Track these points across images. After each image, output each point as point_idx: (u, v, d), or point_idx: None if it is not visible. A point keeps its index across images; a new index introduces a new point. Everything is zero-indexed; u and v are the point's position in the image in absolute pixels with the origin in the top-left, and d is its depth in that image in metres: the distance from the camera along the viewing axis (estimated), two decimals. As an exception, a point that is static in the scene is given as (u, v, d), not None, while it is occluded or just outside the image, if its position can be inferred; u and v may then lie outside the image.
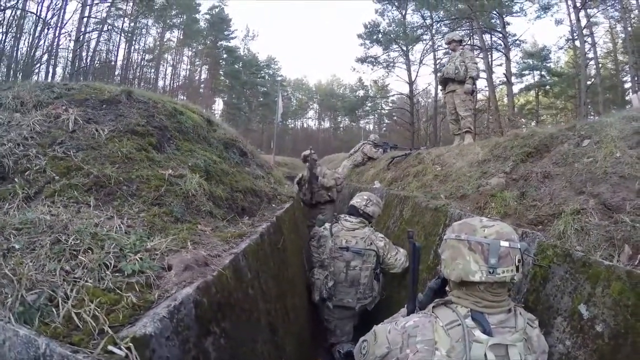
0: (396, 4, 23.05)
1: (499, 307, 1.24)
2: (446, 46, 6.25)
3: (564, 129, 3.21)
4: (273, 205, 2.83)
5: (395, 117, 29.19)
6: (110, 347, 0.76)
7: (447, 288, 1.43)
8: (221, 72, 35.05)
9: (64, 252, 1.06)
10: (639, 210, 1.80)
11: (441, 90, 6.06)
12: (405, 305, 1.59)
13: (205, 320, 1.07)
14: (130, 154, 1.89)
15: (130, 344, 0.77)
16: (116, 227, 1.28)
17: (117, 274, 1.04)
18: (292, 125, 46.20)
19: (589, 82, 15.79)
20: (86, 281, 0.96)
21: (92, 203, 1.45)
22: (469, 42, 18.34)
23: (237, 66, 34.60)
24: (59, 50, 18.35)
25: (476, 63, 5.82)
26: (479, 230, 1.26)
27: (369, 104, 30.47)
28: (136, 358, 0.76)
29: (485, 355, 1.13)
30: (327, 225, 3.22)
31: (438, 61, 22.33)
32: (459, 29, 19.13)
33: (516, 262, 1.21)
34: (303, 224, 4.26)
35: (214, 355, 1.06)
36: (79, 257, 1.04)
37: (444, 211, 2.91)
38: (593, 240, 1.75)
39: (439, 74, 7.23)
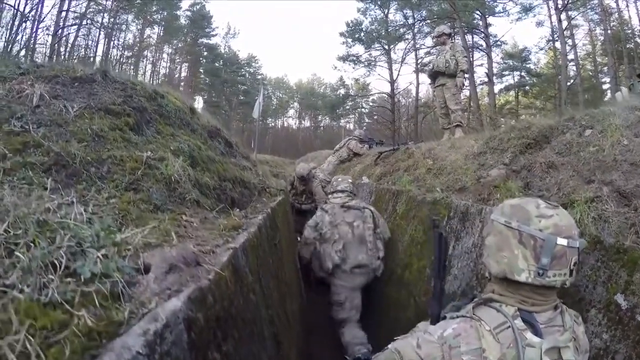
0: (379, 3, 23.02)
1: (547, 305, 1.07)
2: (434, 39, 6.13)
3: (563, 120, 3.13)
4: (263, 198, 2.60)
5: (375, 116, 29.13)
6: None
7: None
8: (201, 70, 34.34)
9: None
10: (659, 197, 1.68)
11: (430, 84, 5.96)
12: (429, 312, 1.35)
13: (202, 346, 0.75)
14: (102, 132, 1.58)
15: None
16: (75, 214, 0.93)
17: (68, 279, 0.70)
18: (273, 124, 45.64)
19: (568, 83, 16.13)
20: (20, 290, 0.62)
21: (49, 185, 1.13)
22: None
23: (217, 64, 33.94)
24: (36, 45, 17.30)
25: (466, 56, 5.74)
26: (533, 220, 1.05)
27: (350, 102, 30.38)
28: None
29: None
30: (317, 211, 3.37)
31: (420, 60, 22.50)
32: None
33: (572, 264, 1.02)
34: (292, 222, 4.04)
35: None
36: (16, 252, 0.69)
37: (445, 204, 2.76)
38: (614, 228, 1.64)
39: (427, 67, 7.11)
